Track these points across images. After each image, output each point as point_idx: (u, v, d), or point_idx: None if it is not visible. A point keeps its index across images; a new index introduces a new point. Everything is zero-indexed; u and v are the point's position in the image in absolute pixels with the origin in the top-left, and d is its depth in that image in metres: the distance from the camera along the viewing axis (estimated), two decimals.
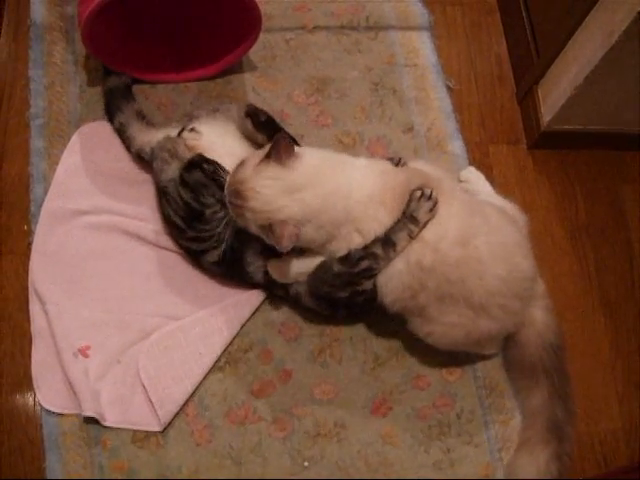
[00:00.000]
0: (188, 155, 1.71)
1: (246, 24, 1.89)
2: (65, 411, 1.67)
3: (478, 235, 1.52)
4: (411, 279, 1.53)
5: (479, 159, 2.07)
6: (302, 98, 2.08)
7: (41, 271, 1.79)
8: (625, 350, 1.89)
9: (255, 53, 2.08)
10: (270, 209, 1.46)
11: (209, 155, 1.71)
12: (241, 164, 1.53)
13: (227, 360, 1.76)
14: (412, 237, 1.50)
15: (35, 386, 1.69)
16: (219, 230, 1.66)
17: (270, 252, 1.64)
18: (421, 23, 2.23)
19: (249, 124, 1.78)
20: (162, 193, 1.76)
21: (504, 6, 2.28)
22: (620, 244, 2.01)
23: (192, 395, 1.71)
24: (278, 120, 1.85)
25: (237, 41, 1.97)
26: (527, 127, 2.12)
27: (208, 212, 1.67)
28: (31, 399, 1.70)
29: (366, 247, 1.53)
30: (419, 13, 2.25)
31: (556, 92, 1.95)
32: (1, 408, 1.69)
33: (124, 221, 1.85)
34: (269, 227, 1.46)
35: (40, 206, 1.86)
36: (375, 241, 1.52)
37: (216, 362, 1.74)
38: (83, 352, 1.71)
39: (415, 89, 2.13)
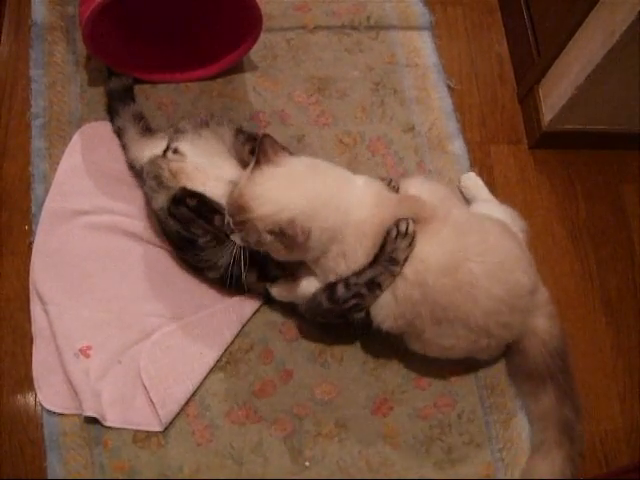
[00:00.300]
0: (172, 182, 1.68)
1: (247, 24, 1.89)
2: (66, 411, 1.68)
3: (472, 256, 1.50)
4: (403, 309, 1.53)
5: (480, 159, 2.07)
6: (303, 98, 2.08)
7: (42, 271, 1.79)
8: (626, 349, 1.88)
9: (256, 53, 2.08)
10: (276, 210, 1.44)
11: (194, 179, 1.68)
12: (233, 186, 1.53)
13: (228, 360, 1.76)
14: (395, 275, 1.49)
15: (36, 386, 1.69)
16: (215, 260, 1.67)
17: (268, 274, 1.68)
18: (422, 23, 2.23)
19: (240, 144, 1.74)
20: (155, 215, 1.76)
21: (505, 6, 2.28)
22: (621, 244, 2.01)
23: (193, 395, 1.71)
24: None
25: (238, 41, 1.96)
26: (528, 127, 2.12)
27: (201, 241, 1.67)
28: (32, 399, 1.70)
29: (351, 287, 1.52)
30: (420, 13, 2.25)
31: (557, 92, 1.95)
32: (2, 408, 1.69)
33: (125, 221, 1.85)
34: (280, 232, 1.43)
35: (41, 206, 1.86)
36: (359, 282, 1.51)
37: (217, 362, 1.74)
38: (84, 352, 1.71)
39: (416, 89, 2.13)
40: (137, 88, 2.01)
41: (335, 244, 1.49)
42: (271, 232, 1.45)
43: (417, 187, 1.60)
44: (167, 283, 1.82)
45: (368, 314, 1.58)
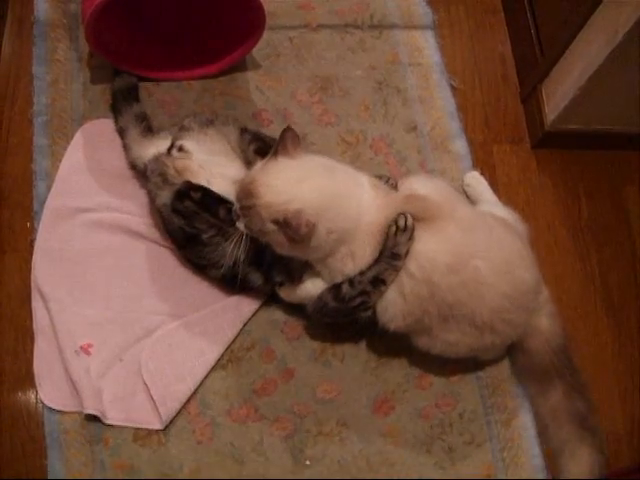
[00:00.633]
0: (177, 180, 1.69)
1: (250, 22, 1.88)
2: (67, 409, 1.67)
3: (478, 253, 1.50)
4: (411, 307, 1.53)
5: (482, 158, 2.07)
6: (306, 97, 2.08)
7: (44, 268, 1.79)
8: (628, 350, 1.88)
9: (259, 51, 2.08)
10: (284, 200, 1.43)
11: (199, 177, 1.69)
12: (247, 172, 1.53)
13: (229, 358, 1.76)
14: (399, 269, 1.50)
15: (37, 383, 1.69)
16: (217, 257, 1.67)
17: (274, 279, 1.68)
18: (425, 22, 2.23)
19: (245, 143, 1.75)
20: (158, 213, 1.76)
21: (508, 5, 2.28)
22: (623, 244, 2.01)
23: (194, 393, 1.71)
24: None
25: (241, 39, 1.96)
26: (531, 126, 2.11)
27: (205, 236, 1.67)
28: (33, 396, 1.70)
29: (356, 285, 1.52)
30: (423, 12, 2.25)
31: (560, 92, 1.95)
32: (3, 405, 1.69)
33: (127, 219, 1.85)
34: (284, 222, 1.42)
35: (43, 203, 1.86)
36: (363, 279, 1.51)
37: (218, 360, 1.74)
38: (85, 350, 1.71)
39: (419, 88, 2.13)
40: (140, 86, 2.01)
41: (344, 245, 1.50)
42: (275, 221, 1.44)
43: (422, 185, 1.60)
44: (169, 281, 1.82)
45: (374, 313, 1.58)
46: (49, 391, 1.69)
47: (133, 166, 1.88)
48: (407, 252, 1.48)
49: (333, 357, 1.79)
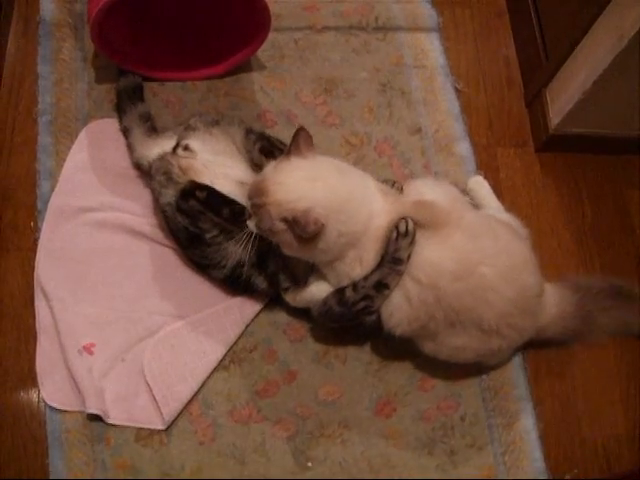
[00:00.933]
0: (182, 178, 1.69)
1: (256, 24, 1.89)
2: (69, 408, 1.68)
3: (484, 260, 1.50)
4: (418, 313, 1.53)
5: (486, 161, 2.06)
6: (310, 98, 2.08)
7: (47, 268, 1.79)
8: (629, 354, 1.88)
9: (264, 52, 2.09)
10: (294, 198, 1.43)
11: (203, 176, 1.69)
12: (260, 172, 1.54)
13: (232, 359, 1.76)
14: (401, 273, 1.50)
15: (39, 383, 1.69)
16: (219, 258, 1.68)
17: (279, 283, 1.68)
18: (430, 24, 2.23)
19: (251, 143, 1.75)
20: (162, 213, 1.76)
21: (513, 8, 2.28)
22: (626, 248, 2.01)
23: (196, 394, 1.71)
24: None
25: (246, 41, 1.97)
26: (535, 130, 2.11)
27: (208, 236, 1.67)
28: (35, 396, 1.70)
29: (359, 290, 1.52)
30: (428, 14, 2.25)
31: (564, 95, 1.95)
32: (5, 404, 1.69)
33: (131, 219, 1.85)
34: (293, 220, 1.42)
35: (47, 203, 1.86)
36: (366, 284, 1.51)
37: (221, 361, 1.74)
38: (88, 349, 1.71)
39: (423, 91, 2.13)
40: (144, 86, 2.01)
41: (353, 249, 1.50)
42: (284, 220, 1.44)
43: (429, 189, 1.60)
44: (172, 281, 1.82)
45: (379, 317, 1.58)
46: (51, 390, 1.69)
47: (137, 166, 1.88)
48: (409, 256, 1.48)
49: (335, 359, 1.79)
